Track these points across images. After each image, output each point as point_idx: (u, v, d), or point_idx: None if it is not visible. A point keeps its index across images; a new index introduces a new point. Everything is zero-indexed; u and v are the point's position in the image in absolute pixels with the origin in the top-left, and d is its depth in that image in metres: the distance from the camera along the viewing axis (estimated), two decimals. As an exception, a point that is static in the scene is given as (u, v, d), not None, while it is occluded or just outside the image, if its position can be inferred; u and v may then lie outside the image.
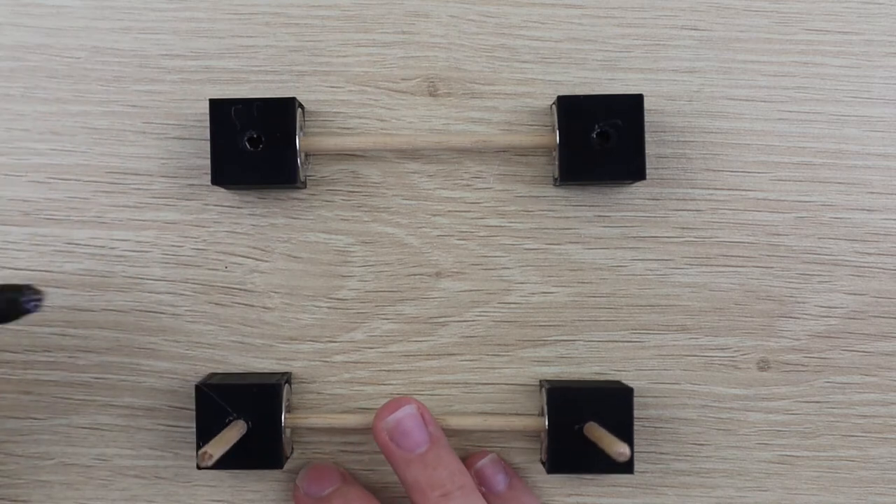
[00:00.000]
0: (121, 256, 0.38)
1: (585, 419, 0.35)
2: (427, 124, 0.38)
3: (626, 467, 0.35)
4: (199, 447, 0.35)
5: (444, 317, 0.38)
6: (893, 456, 0.38)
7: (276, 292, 0.38)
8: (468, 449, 0.38)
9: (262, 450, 0.35)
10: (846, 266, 0.37)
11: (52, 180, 0.38)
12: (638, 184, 0.37)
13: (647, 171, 0.36)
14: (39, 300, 0.30)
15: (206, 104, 0.37)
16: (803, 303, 0.37)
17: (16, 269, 0.38)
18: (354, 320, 0.38)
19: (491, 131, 0.38)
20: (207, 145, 0.36)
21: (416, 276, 0.38)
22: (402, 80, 0.38)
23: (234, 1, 0.38)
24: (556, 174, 0.36)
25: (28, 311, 0.29)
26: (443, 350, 0.38)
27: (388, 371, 0.38)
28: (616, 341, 0.38)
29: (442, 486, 0.32)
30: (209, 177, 0.36)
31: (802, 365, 0.38)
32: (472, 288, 0.38)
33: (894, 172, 0.37)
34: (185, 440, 0.38)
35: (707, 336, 0.38)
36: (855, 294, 0.37)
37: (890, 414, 0.37)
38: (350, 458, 0.38)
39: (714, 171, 0.37)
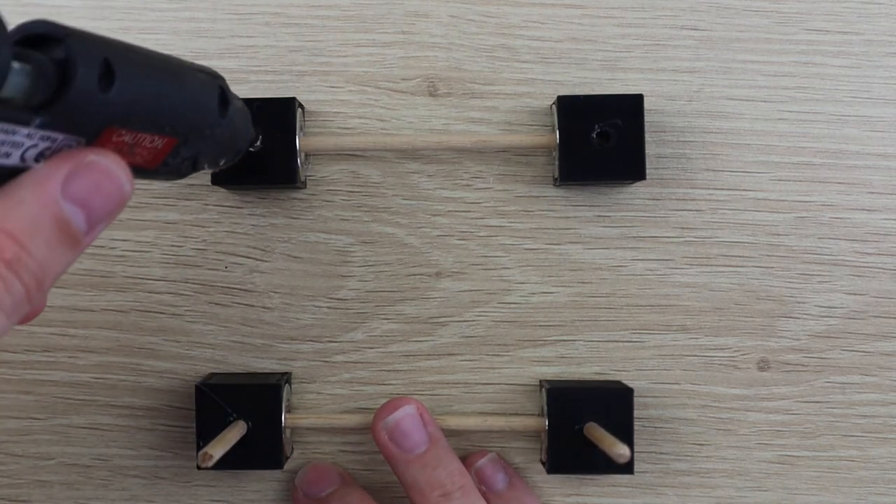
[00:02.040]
0: (121, 256, 0.38)
1: (585, 419, 0.35)
2: (427, 124, 0.38)
3: (626, 468, 0.35)
4: (199, 447, 0.35)
5: (444, 317, 0.38)
6: (893, 456, 0.38)
7: (276, 292, 0.38)
8: (468, 449, 0.38)
9: (262, 450, 0.35)
10: (846, 266, 0.37)
11: (52, 180, 0.38)
12: (638, 184, 0.37)
13: (647, 171, 0.36)
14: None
15: (206, 104, 0.37)
16: (803, 303, 0.37)
17: (16, 269, 0.38)
18: (354, 320, 0.38)
19: (491, 131, 0.38)
20: (207, 145, 0.36)
21: (416, 276, 0.38)
22: (402, 80, 0.38)
23: (234, 1, 0.38)
24: (556, 174, 0.36)
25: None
26: (443, 350, 0.38)
27: (388, 371, 0.38)
28: (616, 341, 0.38)
29: (441, 486, 0.32)
30: (209, 177, 0.36)
31: (802, 365, 0.38)
32: (472, 288, 0.38)
33: (894, 172, 0.37)
34: (185, 440, 0.38)
35: (707, 336, 0.38)
36: (855, 294, 0.37)
37: (890, 414, 0.37)
38: (350, 458, 0.38)
39: (714, 171, 0.37)
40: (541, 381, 0.37)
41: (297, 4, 0.38)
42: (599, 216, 0.38)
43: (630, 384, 0.37)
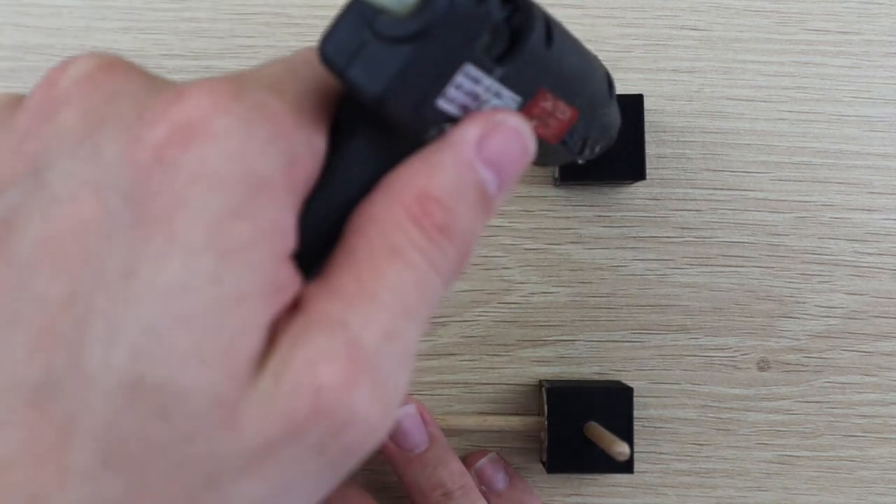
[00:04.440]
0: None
1: (585, 419, 0.35)
2: (427, 124, 0.38)
3: (626, 467, 0.35)
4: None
5: (444, 317, 0.38)
6: (893, 456, 0.38)
7: (276, 292, 0.38)
8: (468, 449, 0.38)
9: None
10: (846, 266, 0.37)
11: (52, 180, 0.38)
12: (638, 184, 0.37)
13: (647, 171, 0.36)
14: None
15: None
16: (803, 303, 0.37)
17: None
18: (354, 320, 0.38)
19: (491, 131, 0.38)
20: (207, 145, 0.36)
21: (416, 276, 0.38)
22: (402, 80, 0.38)
23: (234, 1, 0.38)
24: (556, 174, 0.36)
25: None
26: (443, 350, 0.38)
27: (388, 371, 0.38)
28: (616, 341, 0.38)
29: (442, 485, 0.32)
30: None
31: (802, 365, 0.38)
32: (472, 288, 0.38)
33: (894, 172, 0.37)
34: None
35: (707, 336, 0.38)
36: (855, 294, 0.37)
37: (890, 414, 0.37)
38: (350, 458, 0.38)
39: (714, 171, 0.37)
40: (541, 381, 0.37)
41: (297, 4, 0.38)
42: (599, 216, 0.38)
43: (630, 384, 0.37)
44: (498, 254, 0.38)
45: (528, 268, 0.38)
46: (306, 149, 0.16)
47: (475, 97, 0.18)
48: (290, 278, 0.16)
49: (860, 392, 0.37)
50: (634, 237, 0.38)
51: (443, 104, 0.18)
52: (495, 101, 0.19)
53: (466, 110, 0.18)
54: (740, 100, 0.38)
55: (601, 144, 0.28)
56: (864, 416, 0.37)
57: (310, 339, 0.15)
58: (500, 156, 0.18)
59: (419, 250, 0.17)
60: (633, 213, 0.38)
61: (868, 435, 0.37)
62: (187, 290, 0.14)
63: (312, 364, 0.15)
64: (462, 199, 0.18)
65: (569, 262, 0.38)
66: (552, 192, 0.38)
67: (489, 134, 0.18)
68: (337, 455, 0.16)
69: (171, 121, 0.15)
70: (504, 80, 0.19)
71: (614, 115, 0.28)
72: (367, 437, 0.16)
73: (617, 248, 0.38)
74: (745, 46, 0.38)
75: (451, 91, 0.18)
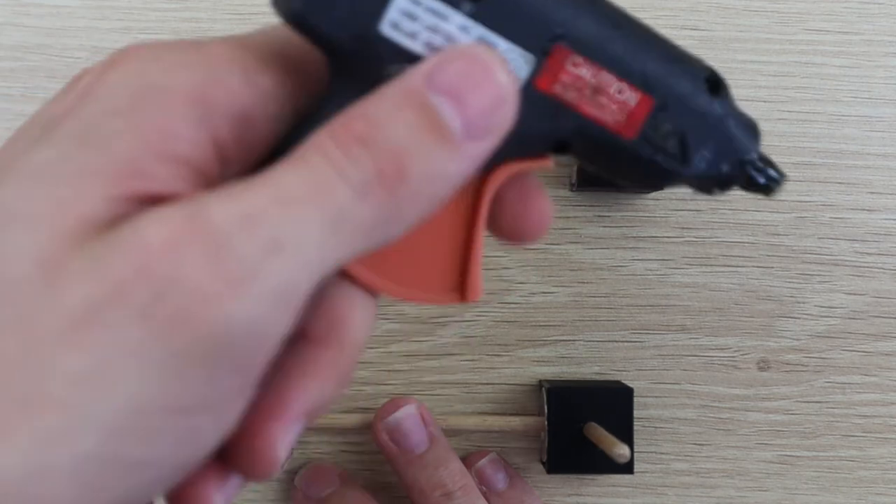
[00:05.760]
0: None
1: (585, 419, 0.35)
2: (427, 124, 0.38)
3: (626, 467, 0.35)
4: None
5: (444, 317, 0.38)
6: (893, 456, 0.38)
7: (276, 292, 0.38)
8: (468, 449, 0.38)
9: (262, 450, 0.35)
10: (846, 266, 0.37)
11: (52, 180, 0.38)
12: (638, 184, 0.37)
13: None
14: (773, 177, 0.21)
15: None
16: (803, 303, 0.37)
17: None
18: (354, 320, 0.38)
19: (491, 131, 0.38)
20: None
21: (416, 276, 0.38)
22: (402, 80, 0.38)
23: (234, 1, 0.38)
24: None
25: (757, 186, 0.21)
26: (443, 350, 0.38)
27: (388, 371, 0.38)
28: (616, 341, 0.38)
29: (443, 486, 0.32)
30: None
31: (802, 365, 0.38)
32: (472, 288, 0.38)
33: (894, 172, 0.37)
34: (185, 440, 0.38)
35: (707, 336, 0.38)
36: (855, 294, 0.37)
37: (890, 414, 0.37)
38: (350, 458, 0.38)
39: (714, 171, 0.38)
40: (541, 381, 0.37)
41: (297, 4, 0.38)
42: (599, 216, 0.38)
43: (630, 384, 0.37)
44: (498, 254, 0.38)
45: (528, 268, 0.38)
46: (239, 79, 0.17)
47: (448, 37, 0.17)
48: (163, 173, 0.16)
49: (860, 392, 0.38)
50: (634, 237, 0.38)
51: (392, 34, 0.17)
52: None
53: (436, 51, 0.17)
54: (740, 100, 0.37)
55: (726, 163, 0.21)
56: (864, 416, 0.38)
57: (153, 211, 0.15)
58: (456, 84, 0.17)
59: (323, 154, 0.16)
60: (633, 213, 0.38)
61: (868, 435, 0.38)
62: (45, 167, 0.16)
63: (144, 227, 0.15)
64: (396, 118, 0.16)
65: (569, 262, 0.38)
66: (552, 192, 0.38)
67: (444, 64, 0.17)
68: (163, 322, 0.14)
69: (102, 63, 0.18)
70: (482, 20, 0.17)
71: (732, 130, 0.21)
72: (200, 307, 0.15)
73: (617, 248, 0.38)
74: (745, 46, 0.38)
75: (394, 15, 0.17)
